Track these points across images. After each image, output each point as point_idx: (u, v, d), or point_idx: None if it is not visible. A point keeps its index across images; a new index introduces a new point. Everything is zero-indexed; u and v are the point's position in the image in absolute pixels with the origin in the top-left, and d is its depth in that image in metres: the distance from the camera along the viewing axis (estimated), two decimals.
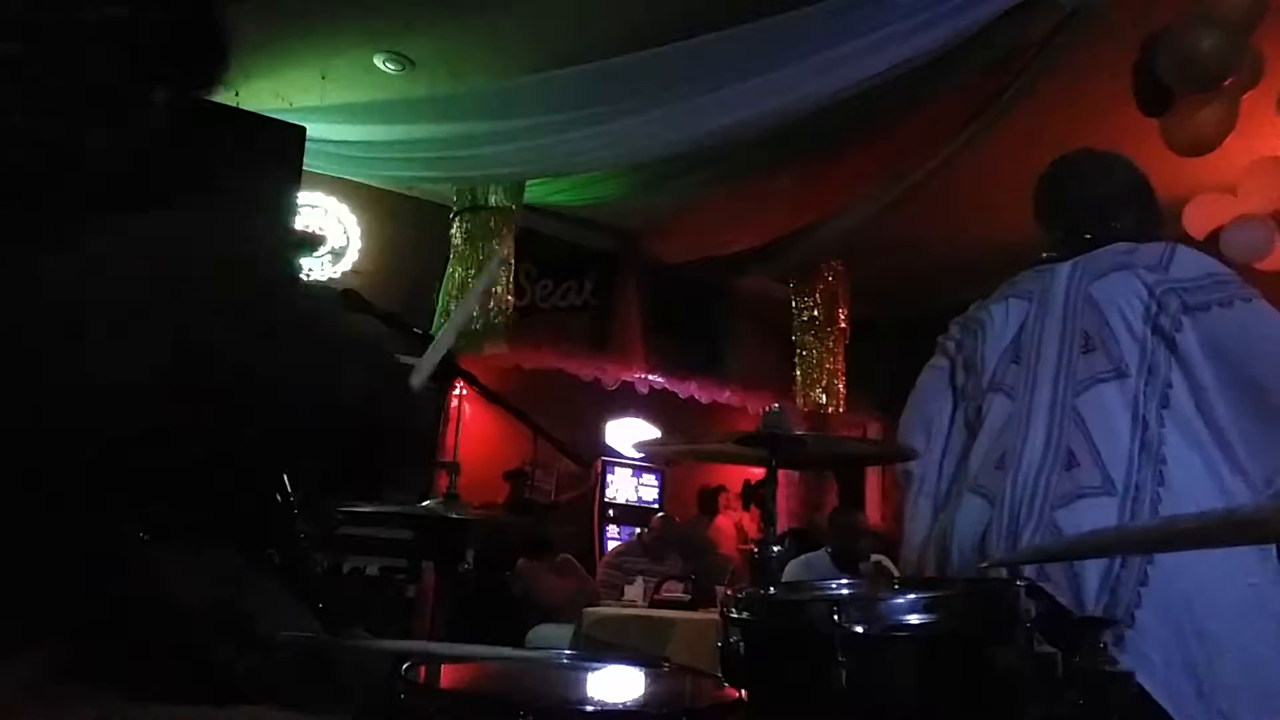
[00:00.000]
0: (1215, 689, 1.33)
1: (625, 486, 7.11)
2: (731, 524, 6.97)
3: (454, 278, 5.53)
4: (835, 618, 1.13)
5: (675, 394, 6.99)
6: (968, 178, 5.07)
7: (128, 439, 0.69)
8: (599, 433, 7.03)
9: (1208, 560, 1.37)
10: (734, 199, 5.49)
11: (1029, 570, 1.39)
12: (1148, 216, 1.79)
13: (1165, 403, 1.49)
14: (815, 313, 6.87)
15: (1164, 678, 1.33)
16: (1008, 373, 1.67)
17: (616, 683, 1.31)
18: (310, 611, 1.20)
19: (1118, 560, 1.38)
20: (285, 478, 1.11)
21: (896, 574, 4.82)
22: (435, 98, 4.71)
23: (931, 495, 1.73)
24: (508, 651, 1.25)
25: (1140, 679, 1.28)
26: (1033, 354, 1.65)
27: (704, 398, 7.08)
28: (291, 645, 0.90)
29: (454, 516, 2.27)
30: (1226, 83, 3.49)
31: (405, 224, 5.99)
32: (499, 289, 5.48)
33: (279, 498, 1.16)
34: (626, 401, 6.99)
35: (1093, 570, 1.39)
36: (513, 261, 5.61)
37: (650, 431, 7.01)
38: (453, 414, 5.87)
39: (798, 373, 6.87)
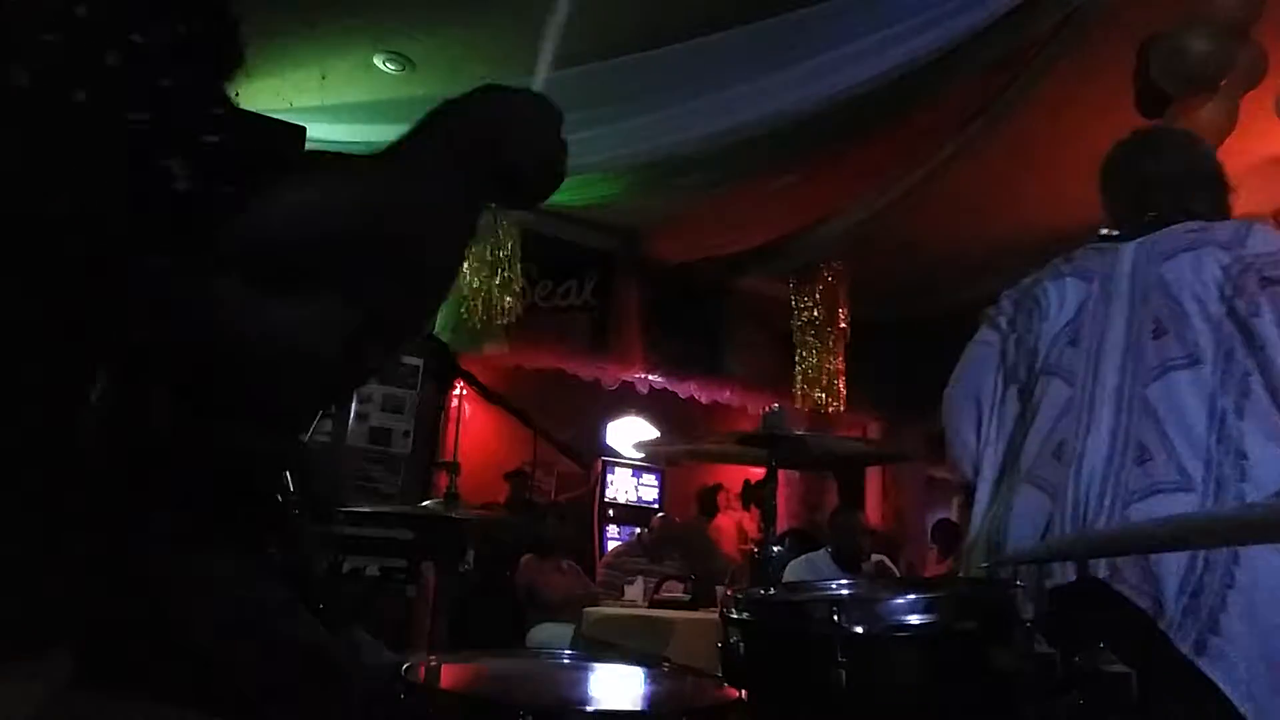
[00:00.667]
0: None
1: (625, 486, 7.12)
2: (731, 524, 6.97)
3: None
4: (835, 618, 1.13)
5: (675, 394, 6.99)
6: (968, 178, 5.07)
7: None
8: (599, 433, 7.03)
9: None
10: (734, 199, 5.49)
11: (1101, 572, 1.33)
12: (1219, 200, 1.69)
13: (1245, 392, 1.37)
14: (815, 313, 6.86)
15: (1248, 687, 1.23)
16: (1064, 355, 1.55)
17: (616, 683, 1.31)
18: (311, 612, 1.20)
19: (1200, 561, 1.28)
20: (287, 476, 1.12)
21: (897, 574, 4.83)
22: (435, 98, 4.68)
23: (990, 481, 1.62)
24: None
25: (1224, 688, 1.21)
26: (1095, 338, 1.53)
27: (704, 398, 7.08)
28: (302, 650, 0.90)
29: (454, 516, 2.27)
30: (1221, 84, 3.49)
31: None
32: (499, 288, 5.49)
33: (280, 497, 1.16)
34: (626, 401, 6.99)
35: (1172, 572, 1.29)
36: (515, 261, 5.61)
37: (650, 431, 7.01)
38: (453, 414, 5.87)
39: (798, 373, 6.87)
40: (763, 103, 3.98)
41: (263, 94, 4.70)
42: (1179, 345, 1.43)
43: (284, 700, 0.87)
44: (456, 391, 5.89)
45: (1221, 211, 1.67)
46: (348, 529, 4.01)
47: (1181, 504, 1.33)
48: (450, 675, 1.16)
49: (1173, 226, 1.57)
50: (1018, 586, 1.23)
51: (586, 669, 1.35)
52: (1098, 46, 3.85)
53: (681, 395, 7.01)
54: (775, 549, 1.71)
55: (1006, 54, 3.97)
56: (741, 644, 1.23)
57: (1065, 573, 1.37)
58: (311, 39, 4.48)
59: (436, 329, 5.45)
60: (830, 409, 6.80)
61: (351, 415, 5.50)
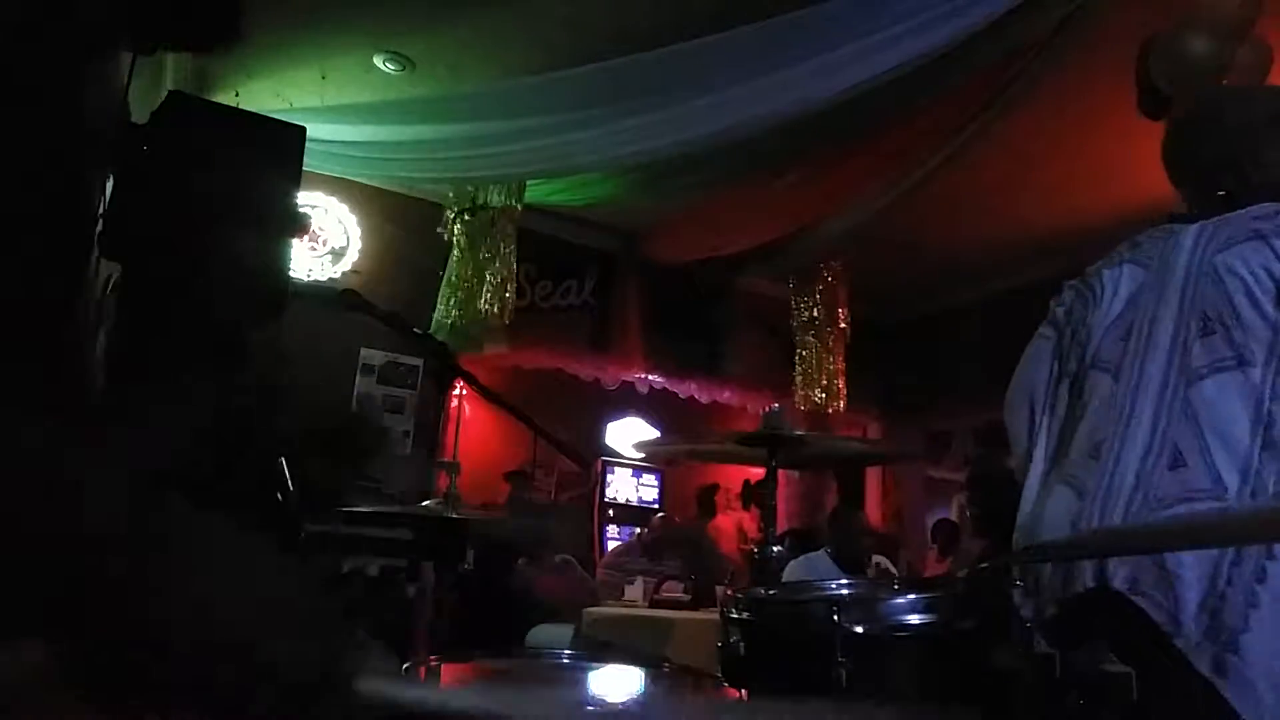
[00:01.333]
0: None
1: (625, 486, 7.11)
2: (731, 524, 6.97)
3: (454, 278, 5.53)
4: (835, 618, 1.13)
5: (675, 394, 6.99)
6: (968, 178, 5.07)
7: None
8: (599, 433, 7.03)
9: None
10: (734, 199, 5.49)
11: (1119, 583, 1.27)
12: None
13: None
14: (815, 313, 6.86)
15: (1267, 710, 1.17)
16: (1113, 349, 1.46)
17: (616, 683, 1.31)
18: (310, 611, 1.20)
19: (1222, 579, 1.22)
20: (286, 475, 1.12)
21: (896, 575, 4.83)
22: (435, 98, 4.71)
23: (1038, 478, 1.53)
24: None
25: (1242, 710, 1.16)
26: (1144, 332, 1.43)
27: (704, 398, 7.08)
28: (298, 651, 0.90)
29: (454, 516, 2.27)
30: (1222, 84, 3.49)
31: (405, 224, 5.99)
32: (498, 289, 5.48)
33: (281, 498, 1.17)
34: (626, 401, 6.98)
35: (1192, 589, 1.22)
36: (514, 261, 5.61)
37: (650, 431, 7.01)
38: (453, 414, 5.87)
39: (798, 373, 6.87)
40: (763, 103, 3.98)
41: (263, 94, 4.70)
42: (1227, 345, 1.34)
43: (283, 700, 0.86)
44: (456, 391, 5.89)
45: None
46: (348, 529, 4.00)
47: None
48: (450, 675, 1.16)
49: (1239, 211, 1.44)
50: (1017, 586, 1.23)
51: (586, 669, 1.35)
52: (1098, 46, 3.85)
53: (681, 395, 7.01)
54: (775, 549, 1.71)
55: (1006, 54, 3.97)
56: (741, 644, 1.23)
57: (1084, 579, 1.30)
58: (311, 39, 4.49)
59: (436, 329, 5.45)
60: (830, 409, 6.80)
61: None
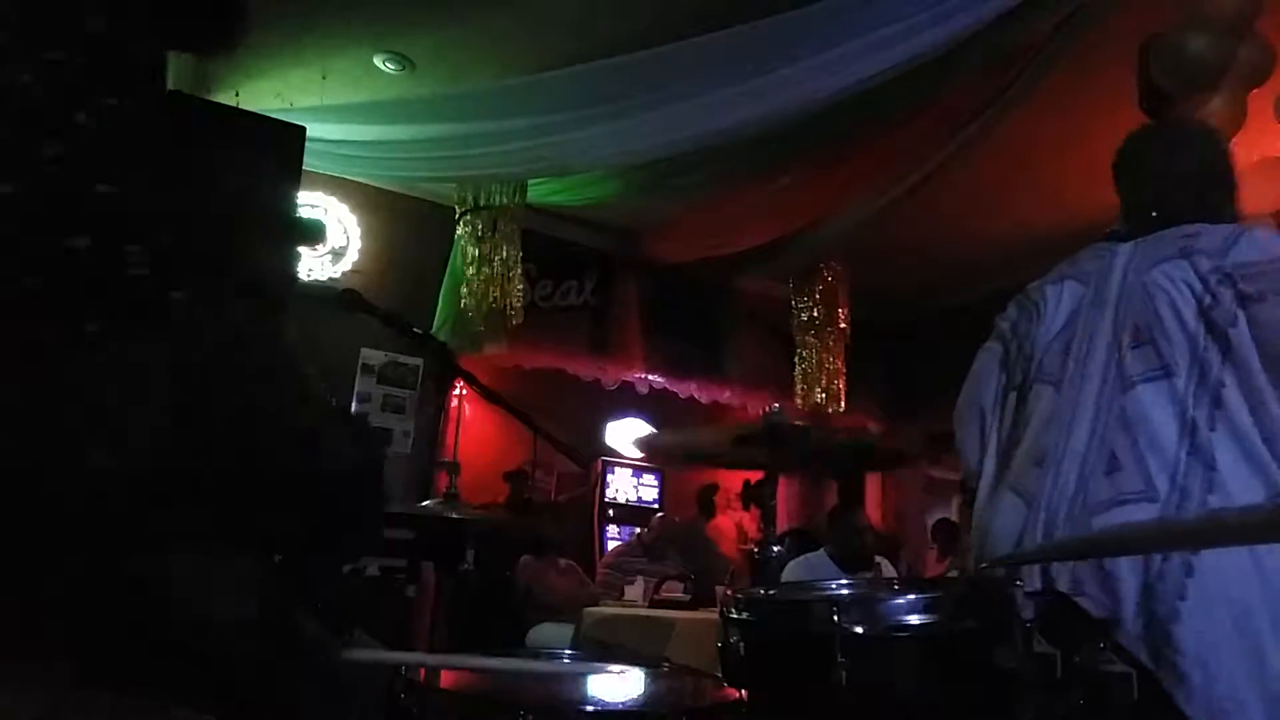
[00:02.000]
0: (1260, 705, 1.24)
1: (625, 486, 7.12)
2: (731, 524, 6.97)
3: (454, 277, 5.53)
4: (835, 618, 1.13)
5: (675, 394, 6.99)
6: (968, 178, 5.07)
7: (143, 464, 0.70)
8: (599, 433, 7.03)
9: (1253, 574, 1.28)
10: (734, 199, 5.48)
11: (1063, 585, 1.34)
12: (1228, 201, 1.67)
13: (1218, 403, 1.37)
14: (815, 313, 6.86)
15: (1202, 698, 1.24)
16: (1056, 362, 1.56)
17: (616, 683, 1.31)
18: (311, 612, 1.20)
19: (1154, 574, 1.29)
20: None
21: (895, 575, 4.82)
22: (435, 98, 4.71)
23: (987, 488, 1.62)
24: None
25: (1178, 699, 1.23)
26: (1083, 345, 1.54)
27: (704, 398, 7.08)
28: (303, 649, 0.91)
29: (454, 516, 2.27)
30: (1222, 83, 3.48)
31: (405, 224, 5.99)
32: (499, 289, 5.48)
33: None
34: (626, 401, 6.99)
35: (1130, 585, 1.31)
36: (515, 261, 5.61)
37: (650, 432, 7.01)
38: (453, 414, 5.88)
39: (798, 373, 6.87)
40: (762, 103, 3.98)
41: (263, 94, 4.70)
42: (1156, 356, 1.44)
43: (284, 699, 0.87)
44: (456, 391, 5.90)
45: (1231, 212, 1.65)
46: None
47: (1145, 514, 1.34)
48: (450, 675, 1.16)
49: (1170, 230, 1.55)
50: (1017, 586, 1.23)
51: (586, 669, 1.35)
52: (1098, 46, 3.85)
53: (681, 395, 7.01)
54: (775, 549, 1.71)
55: (1006, 54, 3.97)
56: (741, 644, 1.23)
57: (1031, 581, 1.37)
58: (311, 39, 4.49)
59: (436, 329, 5.45)
60: (830, 409, 6.80)
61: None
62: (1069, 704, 1.16)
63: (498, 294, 5.43)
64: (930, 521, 7.52)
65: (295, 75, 4.70)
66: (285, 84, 4.72)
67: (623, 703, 1.20)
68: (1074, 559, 1.40)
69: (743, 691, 1.13)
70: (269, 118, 4.07)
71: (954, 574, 5.24)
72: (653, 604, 4.74)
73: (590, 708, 1.13)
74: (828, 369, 6.81)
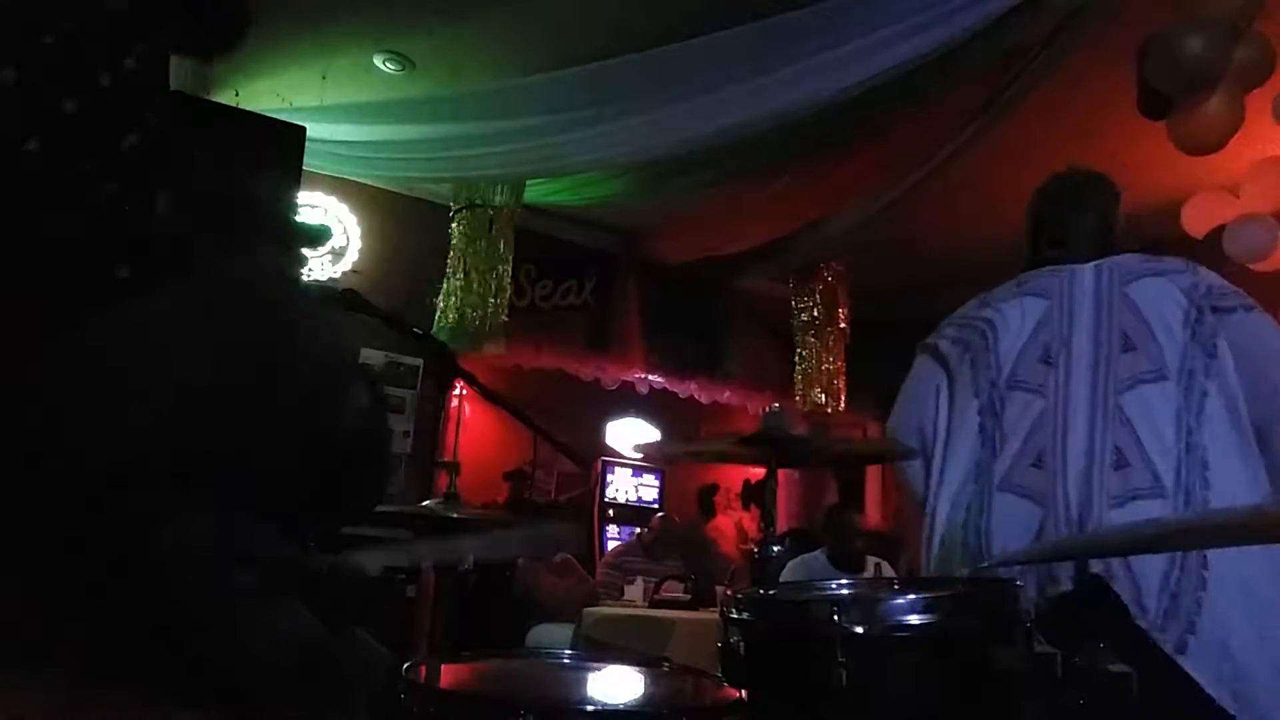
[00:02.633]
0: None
1: (625, 486, 7.11)
2: (731, 524, 6.97)
3: (454, 278, 5.53)
4: (835, 618, 1.13)
5: (675, 394, 6.99)
6: (968, 178, 5.07)
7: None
8: (599, 433, 7.03)
9: (1267, 569, 1.37)
10: (734, 199, 5.48)
11: (1096, 567, 1.42)
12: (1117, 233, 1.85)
13: (1202, 410, 1.49)
14: (815, 313, 6.87)
15: (1225, 683, 1.32)
16: (1033, 371, 1.65)
17: (616, 683, 1.32)
18: (311, 611, 1.20)
19: (1176, 567, 1.38)
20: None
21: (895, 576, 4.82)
22: (435, 98, 4.71)
23: (950, 498, 1.70)
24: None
25: (1203, 684, 1.30)
26: (1063, 352, 1.63)
27: (704, 398, 7.08)
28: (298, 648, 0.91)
29: (454, 516, 2.27)
30: (1220, 84, 3.48)
31: (405, 224, 5.99)
32: (498, 288, 5.49)
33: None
34: (626, 401, 6.99)
35: (1153, 577, 1.39)
36: (513, 261, 5.62)
37: (650, 432, 7.01)
38: (453, 414, 5.87)
39: (798, 373, 6.87)
40: (762, 103, 3.98)
41: (263, 94, 4.70)
42: (1147, 360, 1.55)
43: (285, 699, 0.87)
44: (456, 391, 5.89)
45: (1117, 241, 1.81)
46: (350, 529, 4.00)
47: (1156, 509, 1.42)
48: (450, 675, 1.16)
49: (1126, 255, 1.71)
50: (1018, 586, 1.23)
51: (586, 669, 1.35)
52: (1098, 46, 3.85)
53: (681, 395, 7.01)
54: (775, 549, 1.71)
55: (1006, 54, 3.97)
56: (741, 644, 1.23)
57: (1039, 579, 1.45)
58: (311, 39, 4.49)
59: (436, 329, 5.45)
60: (830, 409, 6.81)
61: None
62: (1069, 704, 1.16)
63: (493, 294, 5.43)
64: None
65: (295, 75, 4.70)
66: (285, 84, 4.72)
67: (623, 703, 1.20)
68: (1074, 559, 1.45)
69: (743, 691, 1.13)
70: (269, 118, 4.09)
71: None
72: (653, 604, 4.74)
73: (590, 708, 1.13)
74: (828, 369, 6.82)
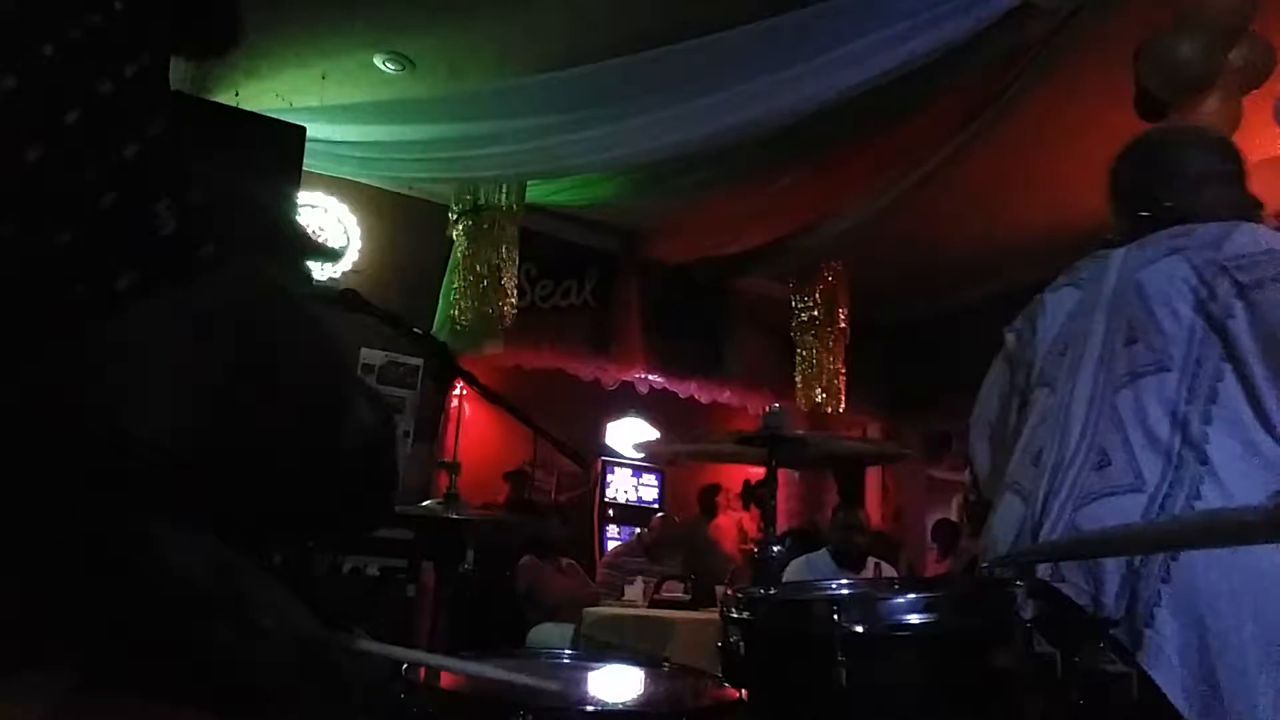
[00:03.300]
0: (1236, 688, 1.22)
1: (625, 486, 7.12)
2: (731, 524, 6.97)
3: (454, 278, 5.54)
4: (835, 618, 1.13)
5: (675, 394, 6.99)
6: (968, 178, 5.07)
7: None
8: (599, 433, 7.03)
9: (1236, 555, 1.27)
10: (734, 199, 5.49)
11: (1042, 570, 1.35)
12: (1228, 197, 1.65)
13: (1213, 398, 1.37)
14: (815, 313, 6.87)
15: (1181, 678, 1.24)
16: (1053, 365, 1.58)
17: (616, 683, 1.32)
18: (310, 611, 1.20)
19: (1137, 559, 1.30)
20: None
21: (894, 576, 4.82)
22: (435, 98, 4.71)
23: (995, 493, 1.64)
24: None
25: (1158, 680, 1.22)
26: (1078, 346, 1.56)
27: (704, 398, 7.08)
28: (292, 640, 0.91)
29: (454, 516, 2.27)
30: (1217, 85, 3.48)
31: (405, 224, 5.99)
32: (498, 288, 5.49)
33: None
34: (626, 401, 6.99)
35: (1113, 570, 1.31)
36: (514, 261, 5.62)
37: (650, 431, 7.01)
38: (453, 414, 5.88)
39: (798, 373, 6.87)
40: (763, 103, 3.98)
41: (263, 94, 4.70)
42: (1148, 352, 1.45)
43: (284, 700, 0.87)
44: (456, 391, 5.89)
45: (1239, 205, 1.63)
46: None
47: (1131, 505, 1.34)
48: (450, 675, 1.16)
49: (1161, 231, 1.56)
50: (1018, 586, 1.23)
51: (586, 669, 1.35)
52: (1098, 47, 3.85)
53: (681, 395, 7.01)
54: (775, 549, 1.71)
55: (1006, 54, 3.97)
56: (741, 644, 1.23)
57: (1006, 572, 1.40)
58: (311, 39, 4.49)
59: (436, 329, 5.45)
60: (830, 409, 6.81)
61: None
62: (1069, 704, 1.16)
63: (494, 295, 5.43)
64: (930, 522, 7.52)
65: (295, 75, 4.70)
66: (285, 84, 4.73)
67: (623, 703, 1.20)
68: (1075, 559, 1.40)
69: (743, 691, 1.13)
70: (269, 118, 4.08)
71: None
72: (653, 604, 4.74)
73: (590, 708, 1.13)
74: (827, 369, 6.82)
